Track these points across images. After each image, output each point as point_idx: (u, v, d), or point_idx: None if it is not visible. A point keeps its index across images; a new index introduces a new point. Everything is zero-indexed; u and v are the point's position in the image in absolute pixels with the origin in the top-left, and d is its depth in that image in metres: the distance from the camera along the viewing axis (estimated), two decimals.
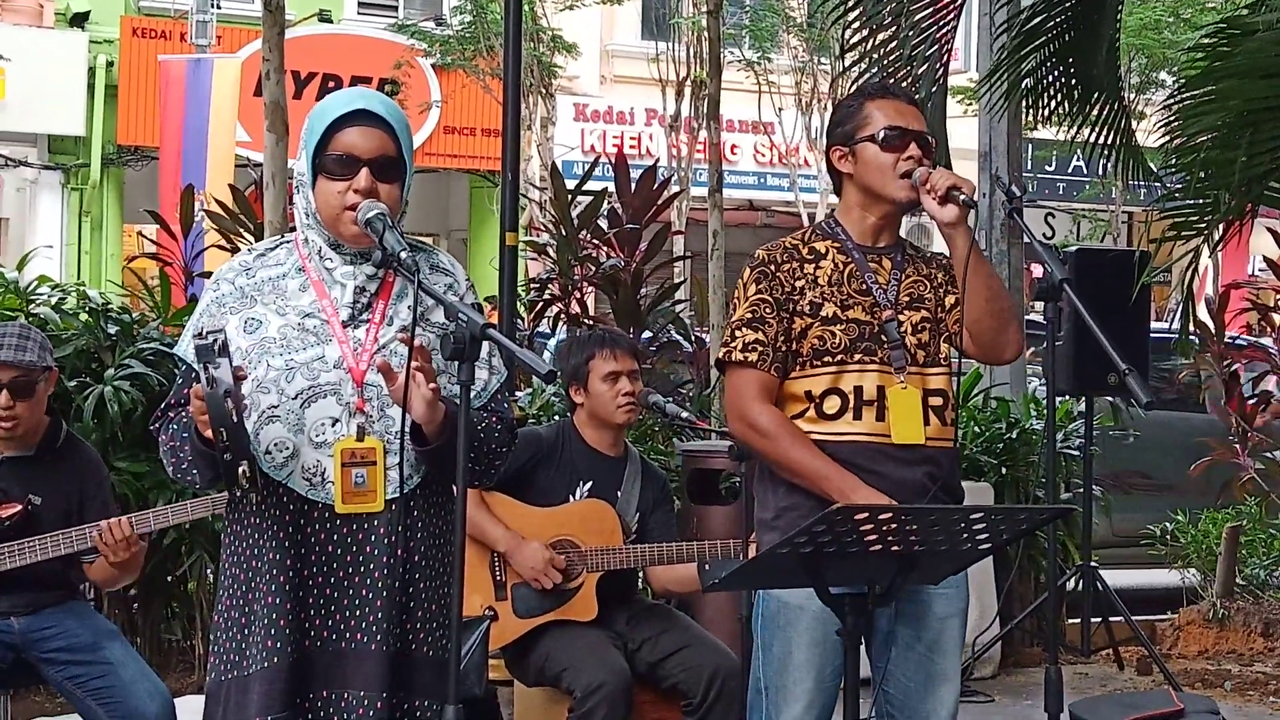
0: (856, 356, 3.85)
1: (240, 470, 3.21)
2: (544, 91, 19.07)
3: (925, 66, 7.20)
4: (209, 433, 3.21)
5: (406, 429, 3.32)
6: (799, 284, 3.89)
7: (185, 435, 3.40)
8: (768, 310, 3.88)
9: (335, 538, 3.41)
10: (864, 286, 3.91)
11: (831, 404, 3.85)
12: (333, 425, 3.41)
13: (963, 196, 3.76)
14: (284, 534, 3.40)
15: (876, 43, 7.40)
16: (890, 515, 3.24)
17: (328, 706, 3.40)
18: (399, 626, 3.42)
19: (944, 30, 7.25)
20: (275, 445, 3.39)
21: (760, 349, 3.86)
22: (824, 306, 3.87)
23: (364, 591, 3.41)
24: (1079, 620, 8.18)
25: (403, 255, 3.28)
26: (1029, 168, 21.15)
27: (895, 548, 3.28)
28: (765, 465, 3.95)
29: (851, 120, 3.96)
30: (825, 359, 3.86)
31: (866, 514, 3.23)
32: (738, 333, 3.89)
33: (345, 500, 3.40)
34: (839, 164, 3.99)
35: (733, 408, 3.93)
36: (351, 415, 3.41)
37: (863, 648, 3.90)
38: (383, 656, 3.39)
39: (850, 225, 3.98)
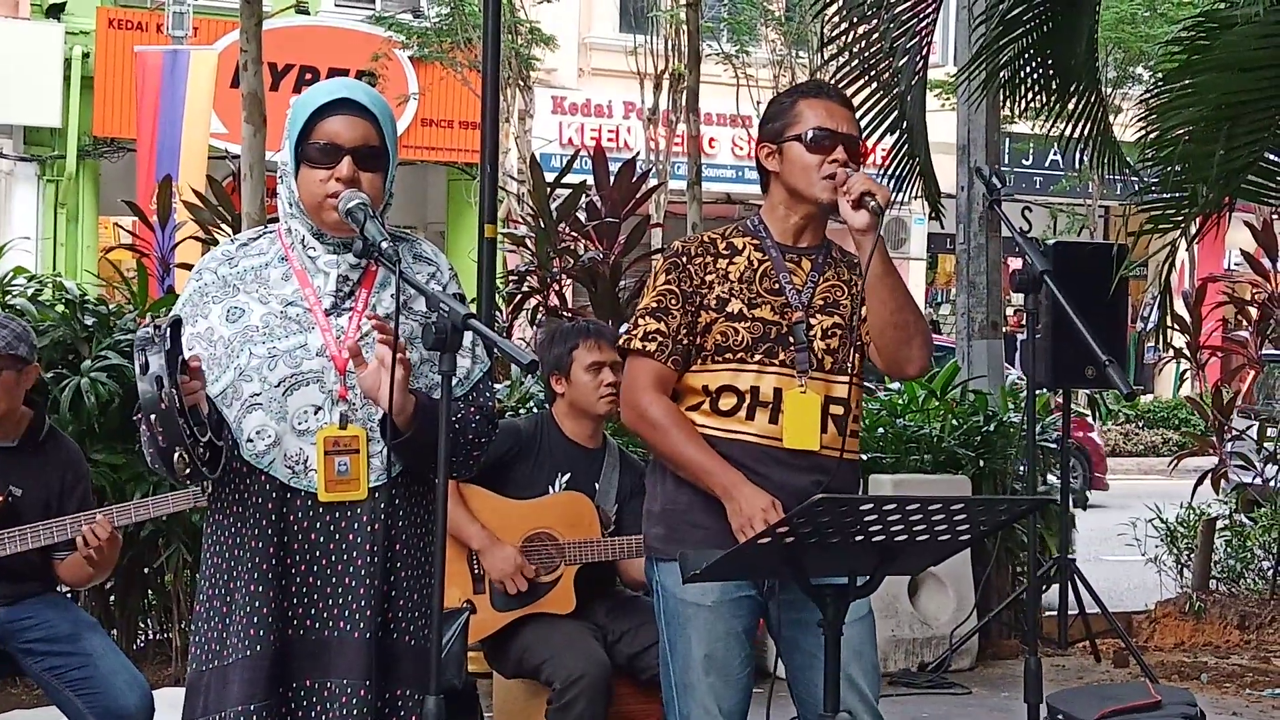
0: (757, 356, 3.82)
1: (175, 457, 3.20)
2: (522, 84, 19.08)
3: (906, 59, 7.20)
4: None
5: (390, 414, 3.31)
6: (709, 278, 3.86)
7: (150, 429, 3.39)
8: (673, 301, 3.85)
9: (318, 526, 3.41)
10: (776, 286, 3.87)
11: (727, 401, 3.83)
12: (315, 413, 3.40)
13: (873, 203, 3.73)
14: (266, 522, 3.40)
15: (856, 35, 7.40)
16: (871, 506, 3.24)
17: (310, 695, 3.39)
18: (381, 615, 3.41)
19: (924, 23, 7.25)
20: (257, 433, 3.38)
21: (660, 339, 3.83)
22: (730, 302, 3.84)
23: (347, 580, 3.40)
24: (1055, 613, 8.21)
25: (383, 245, 3.27)
26: (1006, 161, 21.19)
27: (877, 539, 3.28)
28: (655, 458, 3.94)
29: (781, 118, 3.92)
30: (726, 355, 3.82)
31: (846, 506, 3.23)
32: (641, 321, 3.87)
33: (328, 488, 3.39)
34: (766, 161, 3.95)
35: (626, 395, 3.91)
36: (334, 403, 3.40)
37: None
38: (365, 645, 3.38)
39: (773, 224, 3.95)
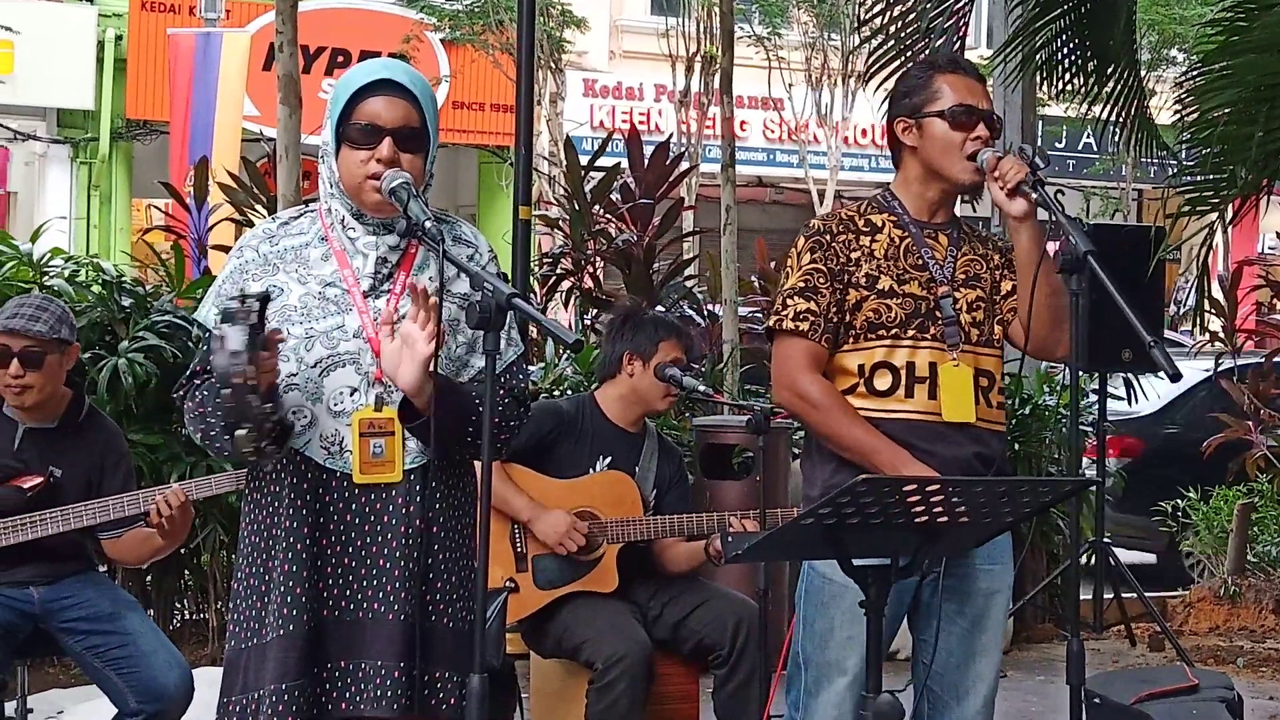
0: (910, 332, 3.81)
1: (240, 433, 3.19)
2: (553, 67, 19.04)
3: (942, 40, 7.17)
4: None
5: (415, 396, 3.30)
6: (854, 255, 3.84)
7: (218, 401, 3.39)
8: (821, 280, 3.82)
9: (353, 508, 3.41)
10: (920, 261, 3.87)
11: (883, 380, 3.81)
12: (351, 395, 3.40)
13: (1035, 195, 3.73)
14: (302, 503, 3.40)
15: (892, 16, 7.38)
16: (915, 487, 3.23)
17: (345, 676, 3.39)
18: (418, 597, 3.40)
19: (960, 3, 7.23)
20: (293, 413, 3.38)
21: (812, 319, 3.80)
22: (880, 280, 3.83)
23: (381, 562, 3.40)
24: (1090, 596, 8.20)
25: (427, 224, 3.27)
26: (1039, 144, 21.05)
27: (920, 520, 3.26)
28: (813, 441, 3.91)
29: (919, 93, 3.90)
30: (880, 333, 3.81)
31: (890, 486, 3.21)
32: (789, 301, 3.84)
33: (363, 470, 3.39)
34: (903, 136, 3.92)
35: (781, 377, 3.87)
36: (370, 385, 3.40)
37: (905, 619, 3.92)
38: (401, 627, 3.37)
39: (908, 200, 3.93)
